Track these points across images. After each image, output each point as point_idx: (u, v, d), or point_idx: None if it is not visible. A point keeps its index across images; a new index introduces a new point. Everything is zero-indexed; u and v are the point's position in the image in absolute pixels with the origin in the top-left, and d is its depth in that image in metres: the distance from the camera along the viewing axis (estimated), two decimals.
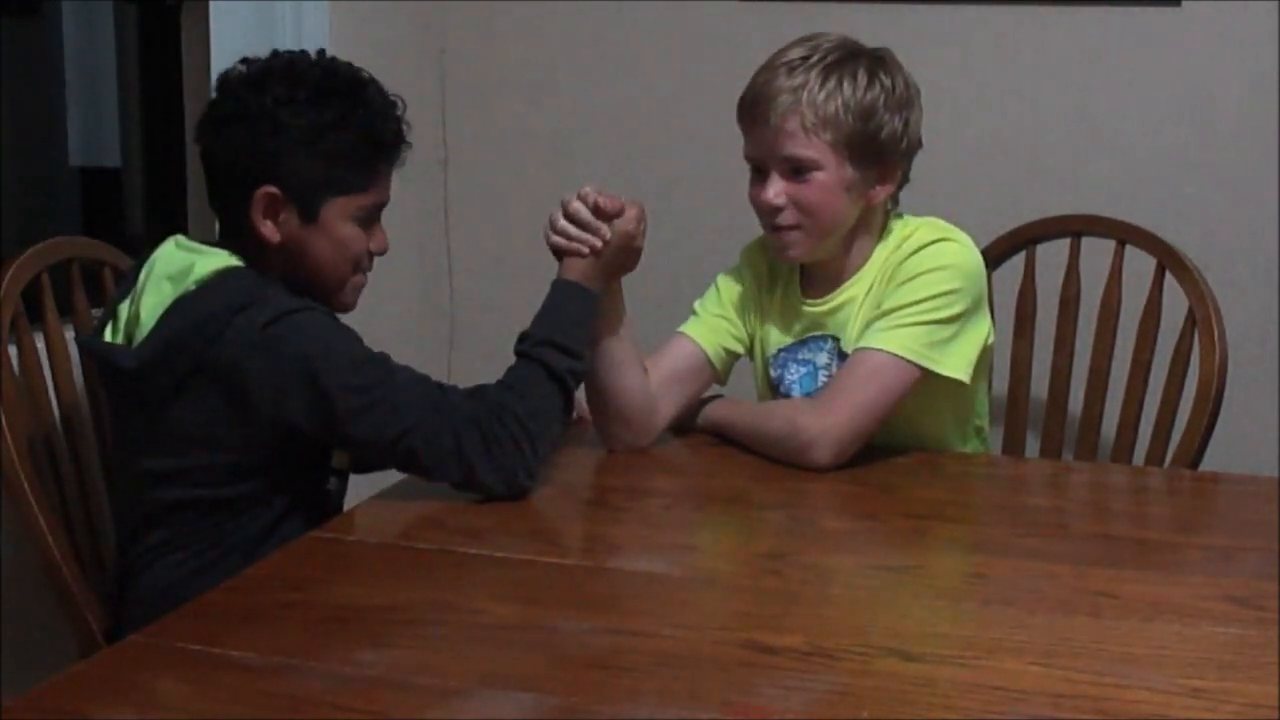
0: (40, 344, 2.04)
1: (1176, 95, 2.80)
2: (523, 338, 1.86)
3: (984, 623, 1.44)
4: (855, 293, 2.02)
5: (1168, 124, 2.81)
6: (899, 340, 1.92)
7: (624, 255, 1.92)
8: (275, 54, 1.87)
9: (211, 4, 2.47)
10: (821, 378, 2.04)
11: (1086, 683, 1.27)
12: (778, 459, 1.95)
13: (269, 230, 1.82)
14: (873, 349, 1.93)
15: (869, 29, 2.04)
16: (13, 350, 1.99)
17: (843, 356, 2.01)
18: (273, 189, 1.80)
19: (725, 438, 2.05)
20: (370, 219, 1.89)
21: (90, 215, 3.00)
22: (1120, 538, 1.81)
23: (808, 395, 2.04)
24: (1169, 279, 2.38)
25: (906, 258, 1.97)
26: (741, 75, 2.01)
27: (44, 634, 2.17)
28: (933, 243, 1.97)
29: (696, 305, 2.14)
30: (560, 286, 1.90)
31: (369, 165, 1.86)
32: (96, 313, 2.14)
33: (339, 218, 1.85)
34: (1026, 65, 2.87)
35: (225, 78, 1.87)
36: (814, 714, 1.24)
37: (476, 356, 3.17)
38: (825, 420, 1.90)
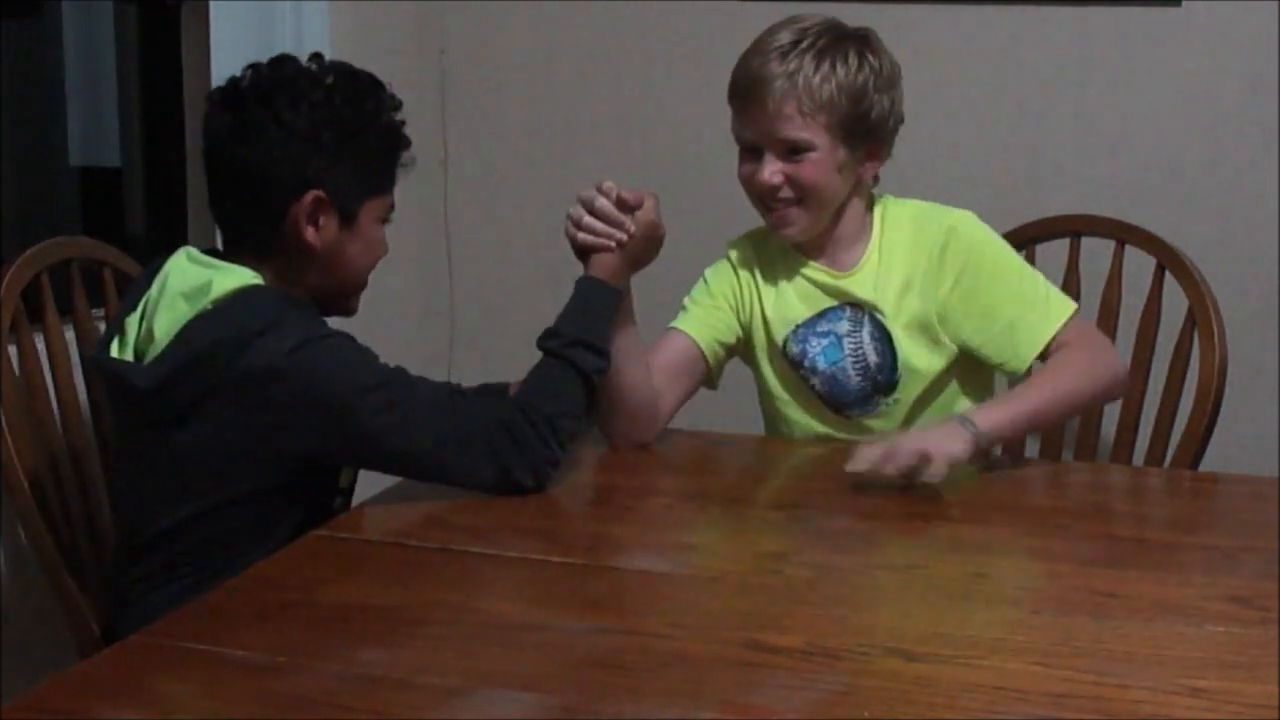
0: (40, 344, 2.04)
1: (1176, 95, 2.80)
2: (549, 334, 1.85)
3: (985, 623, 1.44)
4: (873, 258, 2.06)
5: (1168, 124, 2.81)
6: (1050, 309, 2.00)
7: (648, 246, 1.94)
8: (281, 60, 1.83)
9: (211, 4, 2.47)
10: (847, 346, 2.06)
11: (1088, 683, 1.27)
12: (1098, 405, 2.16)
13: (311, 235, 1.79)
14: (1054, 331, 1.99)
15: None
16: (13, 350, 1.99)
17: (874, 322, 2.04)
18: (319, 193, 1.78)
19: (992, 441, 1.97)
20: (387, 220, 1.89)
21: (90, 215, 2.99)
22: (1121, 538, 1.81)
23: (832, 362, 2.07)
24: (1169, 279, 2.38)
25: (946, 241, 2.02)
26: None
27: (44, 634, 2.17)
28: (957, 221, 2.04)
29: (686, 300, 2.14)
30: (587, 284, 1.89)
31: (390, 165, 1.87)
32: (97, 313, 2.15)
33: (371, 219, 1.84)
34: (1026, 65, 2.87)
35: (241, 86, 1.81)
36: (815, 714, 1.24)
37: (476, 356, 3.18)
38: (1104, 352, 2.02)
